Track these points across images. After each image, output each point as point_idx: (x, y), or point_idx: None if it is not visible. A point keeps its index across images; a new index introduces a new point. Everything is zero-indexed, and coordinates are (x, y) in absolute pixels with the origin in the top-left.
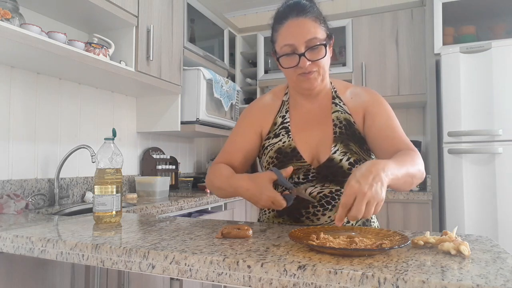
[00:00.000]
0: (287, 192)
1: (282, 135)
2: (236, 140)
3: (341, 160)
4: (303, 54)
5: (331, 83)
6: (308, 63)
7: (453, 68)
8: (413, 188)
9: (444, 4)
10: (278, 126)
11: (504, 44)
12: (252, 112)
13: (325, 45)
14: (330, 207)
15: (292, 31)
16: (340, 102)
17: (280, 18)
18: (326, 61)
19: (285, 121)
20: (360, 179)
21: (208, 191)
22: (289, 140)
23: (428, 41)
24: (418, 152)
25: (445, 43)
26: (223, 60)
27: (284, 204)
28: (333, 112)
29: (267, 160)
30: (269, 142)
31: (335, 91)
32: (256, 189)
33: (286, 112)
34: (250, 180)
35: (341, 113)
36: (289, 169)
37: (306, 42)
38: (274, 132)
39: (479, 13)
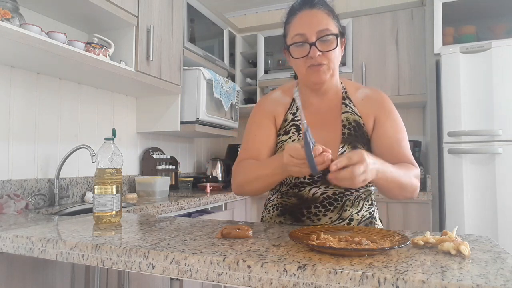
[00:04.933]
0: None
1: (292, 132)
2: (257, 135)
3: None
4: (313, 44)
5: (341, 83)
6: (318, 53)
7: (453, 68)
8: (400, 198)
9: (444, 4)
10: (289, 123)
11: (504, 44)
12: (264, 105)
13: (336, 36)
14: (332, 208)
15: (304, 21)
16: (350, 103)
17: (294, 10)
18: (336, 55)
19: (295, 118)
20: (371, 161)
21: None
22: (298, 139)
23: (428, 41)
24: (418, 169)
25: (445, 43)
26: (223, 60)
27: (301, 150)
28: (342, 113)
29: None
30: (279, 139)
31: (346, 92)
32: (283, 157)
33: (297, 110)
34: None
35: (351, 114)
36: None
37: (317, 32)
38: (284, 129)
39: (479, 13)
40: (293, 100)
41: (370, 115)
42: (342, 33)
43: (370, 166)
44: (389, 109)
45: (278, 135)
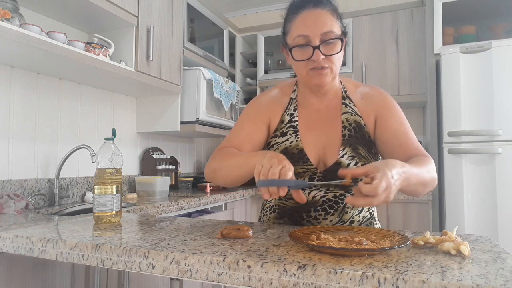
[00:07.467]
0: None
1: (290, 134)
2: (244, 127)
3: (348, 164)
4: (317, 47)
5: (341, 82)
6: (322, 57)
7: (453, 68)
8: (422, 194)
9: (444, 4)
10: (286, 124)
11: (504, 44)
12: (261, 103)
13: (341, 40)
14: (332, 211)
15: (308, 21)
16: (350, 103)
17: (296, 8)
18: (339, 58)
19: (293, 119)
20: (394, 175)
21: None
22: (296, 141)
23: (428, 41)
24: (431, 158)
25: (445, 43)
26: (223, 60)
27: (290, 173)
28: (342, 114)
29: None
30: (275, 140)
31: (345, 91)
32: (274, 154)
33: (294, 110)
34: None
35: (351, 115)
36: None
37: (321, 34)
38: (281, 131)
39: (479, 13)
40: (291, 100)
41: (371, 114)
42: (345, 33)
43: (393, 187)
44: (391, 105)
45: (274, 136)
